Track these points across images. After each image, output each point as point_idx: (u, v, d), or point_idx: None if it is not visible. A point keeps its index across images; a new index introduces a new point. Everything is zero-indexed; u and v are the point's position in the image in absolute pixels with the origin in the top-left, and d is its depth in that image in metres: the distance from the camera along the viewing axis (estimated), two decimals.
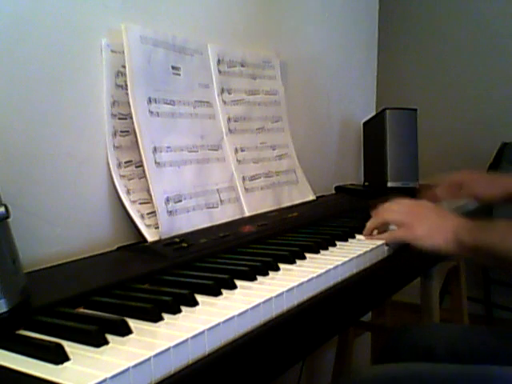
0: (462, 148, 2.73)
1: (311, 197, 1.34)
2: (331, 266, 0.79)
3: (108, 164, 0.92)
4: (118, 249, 0.90)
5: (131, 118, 0.93)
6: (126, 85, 0.93)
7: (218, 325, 0.57)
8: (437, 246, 0.90)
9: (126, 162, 0.95)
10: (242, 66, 1.21)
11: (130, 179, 0.94)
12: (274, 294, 0.66)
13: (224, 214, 1.05)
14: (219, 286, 0.69)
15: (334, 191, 1.56)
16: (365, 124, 1.71)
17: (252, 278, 0.74)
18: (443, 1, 2.82)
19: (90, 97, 0.91)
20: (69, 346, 0.51)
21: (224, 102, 1.14)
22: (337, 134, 1.70)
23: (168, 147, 0.97)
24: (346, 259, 0.83)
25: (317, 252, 0.88)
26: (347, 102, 1.76)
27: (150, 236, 0.91)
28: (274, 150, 1.27)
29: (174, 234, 0.92)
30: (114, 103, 0.94)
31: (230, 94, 1.16)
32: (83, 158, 0.89)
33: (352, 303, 0.85)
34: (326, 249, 0.91)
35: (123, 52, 0.93)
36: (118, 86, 0.95)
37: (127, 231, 0.95)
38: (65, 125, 0.87)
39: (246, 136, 1.19)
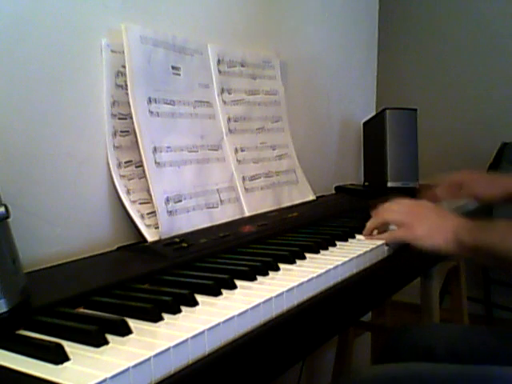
0: (462, 148, 2.73)
1: (311, 197, 1.34)
2: (331, 266, 0.79)
3: (108, 164, 0.92)
4: (118, 249, 0.90)
5: (131, 118, 0.93)
6: (126, 85, 0.93)
7: (218, 325, 0.57)
8: (437, 245, 0.90)
9: (126, 162, 0.95)
10: (242, 66, 1.21)
11: (130, 179, 0.94)
12: (273, 294, 0.66)
13: (224, 214, 1.05)
14: (219, 286, 0.69)
15: (334, 191, 1.56)
16: (365, 124, 1.71)
17: (252, 278, 0.74)
18: (443, 1, 2.82)
19: (89, 97, 0.91)
20: (69, 346, 0.51)
21: (224, 102, 1.14)
22: (337, 134, 1.70)
23: (168, 147, 0.97)
24: (346, 259, 0.83)
25: (317, 252, 0.88)
26: (347, 102, 1.76)
27: (150, 236, 0.91)
28: (274, 150, 1.27)
29: (174, 233, 0.92)
30: (113, 103, 0.94)
31: (230, 94, 1.16)
32: (83, 158, 0.89)
33: (352, 303, 0.85)
34: (326, 249, 0.91)
35: (123, 52, 0.93)
36: (118, 85, 0.95)
37: (127, 231, 0.95)
38: (65, 125, 0.87)
39: (246, 136, 1.19)
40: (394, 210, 0.99)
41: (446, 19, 2.80)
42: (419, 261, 1.12)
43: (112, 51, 0.94)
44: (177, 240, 0.88)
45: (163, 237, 0.91)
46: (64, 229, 0.86)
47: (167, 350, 0.51)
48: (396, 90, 2.76)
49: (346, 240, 0.97)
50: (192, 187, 1.00)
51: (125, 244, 0.92)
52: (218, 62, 1.14)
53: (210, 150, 1.08)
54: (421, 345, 1.03)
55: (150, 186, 0.92)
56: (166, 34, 1.02)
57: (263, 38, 1.35)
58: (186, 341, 0.53)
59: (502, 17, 2.66)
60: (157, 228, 0.92)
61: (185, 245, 0.86)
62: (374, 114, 1.77)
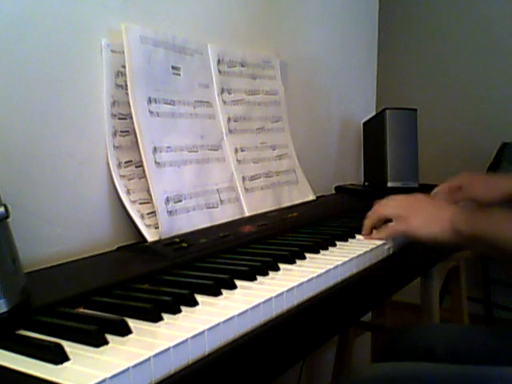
0: (462, 148, 2.74)
1: (311, 197, 1.34)
2: (331, 266, 0.79)
3: (108, 164, 0.92)
4: (118, 249, 0.90)
5: (131, 118, 0.93)
6: (126, 85, 0.93)
7: (218, 325, 0.57)
8: (433, 235, 0.89)
9: (126, 162, 0.95)
10: (242, 66, 1.21)
11: (130, 179, 0.94)
12: (273, 294, 0.66)
13: (224, 214, 1.05)
14: (219, 286, 0.69)
15: (334, 191, 1.56)
16: (365, 124, 1.71)
17: (252, 278, 0.74)
18: (443, 1, 2.82)
19: (89, 97, 0.91)
20: (69, 346, 0.51)
21: (224, 102, 1.14)
22: (337, 134, 1.70)
23: (168, 147, 0.97)
24: (346, 259, 0.83)
25: (317, 252, 0.88)
26: (347, 101, 1.76)
27: (150, 236, 0.91)
28: (274, 150, 1.27)
29: (174, 234, 0.92)
30: (113, 103, 0.94)
31: (229, 94, 1.16)
32: (83, 158, 0.89)
33: (352, 303, 0.85)
34: (326, 249, 0.91)
35: (123, 52, 0.93)
36: (118, 85, 0.95)
37: (127, 231, 0.95)
38: (65, 125, 0.87)
39: (246, 136, 1.19)
40: (390, 205, 0.99)
41: (446, 19, 2.80)
42: (419, 261, 1.12)
43: (112, 51, 0.94)
44: (177, 240, 0.88)
45: (163, 237, 0.91)
46: (64, 229, 0.86)
47: (167, 349, 0.51)
48: (396, 90, 2.76)
49: (346, 240, 0.97)
50: (192, 187, 1.00)
51: (125, 244, 0.92)
52: (218, 62, 1.15)
53: (209, 149, 1.08)
54: (421, 345, 1.03)
55: (150, 186, 0.92)
56: (166, 33, 1.02)
57: (263, 38, 1.35)
58: (185, 341, 0.53)
59: (502, 17, 2.67)
60: (157, 228, 0.92)
61: (185, 245, 0.86)
62: (374, 114, 1.77)
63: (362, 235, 1.00)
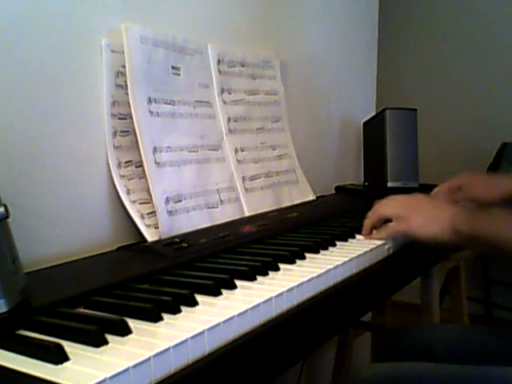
0: (462, 148, 2.74)
1: (311, 197, 1.34)
2: (331, 266, 0.79)
3: (108, 164, 0.92)
4: (118, 249, 0.90)
5: (131, 118, 0.93)
6: (126, 85, 0.93)
7: (218, 325, 0.57)
8: (433, 235, 0.89)
9: (126, 162, 0.95)
10: (242, 66, 1.21)
11: (130, 179, 0.94)
12: (273, 294, 0.66)
13: (224, 214, 1.05)
14: (219, 285, 0.69)
15: (334, 191, 1.56)
16: (365, 124, 1.71)
17: (252, 278, 0.74)
18: (443, 1, 2.82)
19: (89, 97, 0.91)
20: (69, 346, 0.51)
21: (224, 102, 1.14)
22: (337, 134, 1.70)
23: (168, 147, 0.97)
24: (346, 259, 0.83)
25: (317, 252, 0.88)
26: (347, 101, 1.76)
27: (150, 236, 0.91)
28: (274, 150, 1.27)
29: (173, 234, 0.92)
30: (114, 103, 0.94)
31: (229, 94, 1.16)
32: (83, 158, 0.89)
33: (352, 303, 0.85)
34: (326, 249, 0.91)
35: (123, 52, 0.93)
36: (118, 85, 0.95)
37: (127, 231, 0.95)
38: (65, 125, 0.87)
39: (246, 136, 1.19)
40: (390, 205, 0.99)
41: (446, 19, 2.80)
42: (419, 261, 1.12)
43: (112, 51, 0.94)
44: (177, 240, 0.88)
45: (163, 237, 0.91)
46: (64, 229, 0.86)
47: (167, 349, 0.51)
48: (396, 90, 2.76)
49: (346, 240, 0.97)
50: (192, 187, 1.00)
51: (125, 244, 0.92)
52: (218, 62, 1.15)
53: (209, 149, 1.08)
54: (421, 345, 1.03)
55: (150, 186, 0.92)
56: (166, 33, 1.02)
57: (263, 38, 1.35)
58: (185, 341, 0.53)
59: (502, 17, 2.67)
60: (157, 228, 0.92)
61: (185, 245, 0.86)
62: (374, 114, 1.77)
63: (362, 235, 1.00)
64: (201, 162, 1.04)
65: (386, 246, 0.95)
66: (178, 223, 0.94)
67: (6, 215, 0.56)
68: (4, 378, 0.48)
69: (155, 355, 0.49)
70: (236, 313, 0.59)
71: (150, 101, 0.96)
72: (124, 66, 0.94)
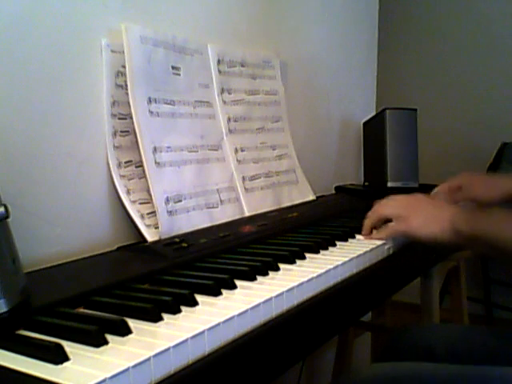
0: (462, 148, 2.74)
1: (311, 197, 1.34)
2: (331, 266, 0.79)
3: (108, 164, 0.92)
4: (118, 249, 0.90)
5: (131, 118, 0.93)
6: (126, 85, 0.93)
7: (218, 325, 0.57)
8: (433, 235, 0.89)
9: (126, 162, 0.95)
10: (242, 66, 1.21)
11: (130, 179, 0.94)
12: (273, 294, 0.66)
13: (224, 214, 1.05)
14: (219, 285, 0.69)
15: (334, 191, 1.56)
16: (365, 124, 1.71)
17: (252, 278, 0.74)
18: (443, 1, 2.82)
19: (89, 97, 0.91)
20: (69, 346, 0.51)
21: (224, 102, 1.14)
22: (337, 134, 1.70)
23: (168, 147, 0.97)
24: (346, 259, 0.83)
25: (317, 252, 0.88)
26: (347, 101, 1.76)
27: (150, 236, 0.91)
28: (274, 150, 1.27)
29: (173, 234, 0.92)
30: (114, 103, 0.94)
31: (229, 94, 1.16)
32: (83, 158, 0.89)
33: (352, 303, 0.85)
34: (326, 249, 0.91)
35: (123, 52, 0.93)
36: (118, 85, 0.95)
37: (127, 231, 0.95)
38: (65, 125, 0.87)
39: (246, 136, 1.19)
40: (390, 205, 0.99)
41: (446, 19, 2.80)
42: (419, 261, 1.12)
43: (112, 51, 0.94)
44: (177, 240, 0.88)
45: (163, 237, 0.91)
46: (64, 229, 0.86)
47: (167, 349, 0.51)
48: (396, 90, 2.76)
49: (346, 240, 0.97)
50: (192, 187, 1.00)
51: (125, 244, 0.92)
52: (218, 62, 1.15)
53: (209, 149, 1.08)
54: (421, 345, 1.03)
55: (150, 186, 0.92)
56: (166, 33, 1.02)
57: (263, 38, 1.35)
58: (185, 341, 0.53)
59: (502, 17, 2.67)
60: (157, 228, 0.92)
61: (185, 245, 0.86)
62: (374, 114, 1.77)
63: (362, 235, 1.00)
64: (201, 162, 1.04)
65: (386, 246, 0.95)
66: (178, 223, 0.94)
67: (6, 215, 0.56)
68: (4, 378, 0.48)
69: (155, 355, 0.49)
70: (236, 313, 0.59)
71: (149, 101, 0.96)
72: (124, 66, 0.94)
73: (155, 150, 0.95)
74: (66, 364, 0.49)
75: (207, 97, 1.10)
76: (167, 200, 0.94)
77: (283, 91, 1.33)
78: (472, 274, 2.51)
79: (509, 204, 1.14)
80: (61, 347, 0.50)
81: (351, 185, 1.62)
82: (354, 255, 0.85)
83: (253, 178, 1.17)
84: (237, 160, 1.14)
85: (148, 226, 0.93)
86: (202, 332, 0.55)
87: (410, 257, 1.02)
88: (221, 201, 1.06)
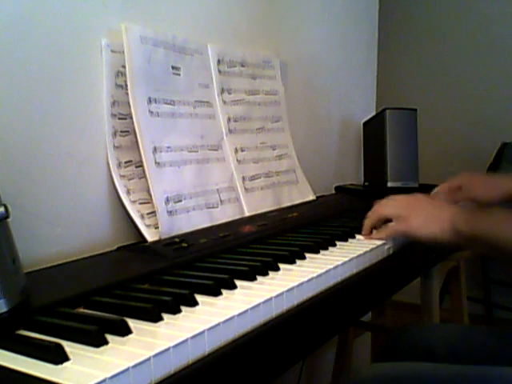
0: (462, 148, 2.74)
1: (311, 197, 1.34)
2: (331, 266, 0.79)
3: (108, 164, 0.92)
4: (118, 249, 0.90)
5: (131, 118, 0.93)
6: (126, 85, 0.93)
7: (218, 325, 0.57)
8: (433, 235, 0.89)
9: (126, 162, 0.95)
10: (242, 66, 1.21)
11: (130, 179, 0.94)
12: (273, 294, 0.66)
13: (224, 214, 1.05)
14: (219, 285, 0.69)
15: (334, 191, 1.56)
16: (365, 124, 1.71)
17: (252, 278, 0.74)
18: (443, 1, 2.82)
19: (89, 97, 0.91)
20: (69, 346, 0.51)
21: (224, 102, 1.14)
22: (337, 134, 1.70)
23: (168, 147, 0.97)
24: (346, 259, 0.83)
25: (317, 252, 0.88)
26: (347, 101, 1.76)
27: (150, 236, 0.91)
28: (274, 150, 1.27)
29: (173, 234, 0.92)
30: (114, 103, 0.94)
31: (230, 94, 1.16)
32: (83, 158, 0.89)
33: (352, 303, 0.85)
34: (326, 249, 0.91)
35: (123, 52, 0.93)
36: (118, 85, 0.95)
37: (127, 231, 0.95)
38: (65, 125, 0.87)
39: (246, 136, 1.19)
40: (390, 205, 0.99)
41: (446, 19, 2.80)
42: (419, 261, 1.12)
43: (112, 51, 0.94)
44: (177, 240, 0.88)
45: (163, 237, 0.91)
46: (64, 229, 0.86)
47: (167, 349, 0.51)
48: (396, 90, 2.76)
49: (346, 240, 0.97)
50: (192, 187, 1.00)
51: (125, 244, 0.92)
52: (218, 62, 1.15)
53: (209, 149, 1.08)
54: (421, 345, 1.03)
55: (150, 186, 0.92)
56: (166, 33, 1.02)
57: (263, 38, 1.35)
58: (185, 341, 0.53)
59: (502, 17, 2.67)
60: (157, 228, 0.92)
61: (185, 245, 0.86)
62: (374, 114, 1.77)
63: (362, 235, 1.00)
64: (201, 162, 1.04)
65: (386, 246, 0.95)
66: (178, 223, 0.94)
67: (6, 215, 0.56)
68: (4, 378, 0.48)
69: (155, 355, 0.49)
70: (236, 313, 0.59)
71: (149, 101, 0.96)
72: (124, 66, 0.94)
73: (155, 149, 0.95)
74: (66, 364, 0.49)
75: (207, 97, 1.10)
76: (167, 200, 0.94)
77: (283, 91, 1.33)
78: (472, 274, 2.51)
79: (509, 204, 1.14)
80: (61, 347, 0.50)
81: (351, 185, 1.62)
82: (354, 255, 0.85)
83: (253, 178, 1.17)
84: (237, 160, 1.14)
85: (148, 225, 0.93)
86: (202, 332, 0.55)
87: (410, 257, 1.02)
88: (221, 201, 1.06)
